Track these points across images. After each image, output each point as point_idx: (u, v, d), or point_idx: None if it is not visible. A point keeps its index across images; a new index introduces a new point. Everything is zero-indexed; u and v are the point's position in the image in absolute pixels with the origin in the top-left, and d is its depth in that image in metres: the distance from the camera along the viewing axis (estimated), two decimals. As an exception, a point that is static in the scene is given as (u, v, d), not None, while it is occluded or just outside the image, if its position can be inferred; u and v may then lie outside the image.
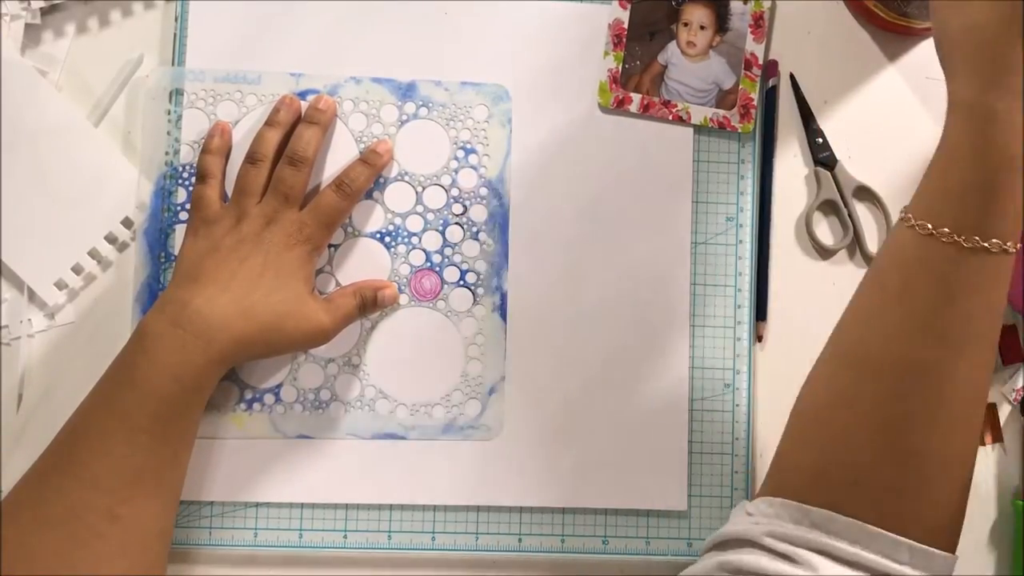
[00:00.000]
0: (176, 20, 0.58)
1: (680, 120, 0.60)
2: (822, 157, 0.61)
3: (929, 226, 0.42)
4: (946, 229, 0.41)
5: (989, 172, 0.41)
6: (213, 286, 0.51)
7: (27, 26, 0.58)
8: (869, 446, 0.43)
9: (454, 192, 0.59)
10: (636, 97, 0.60)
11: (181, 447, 0.52)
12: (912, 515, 0.42)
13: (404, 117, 0.59)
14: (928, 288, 0.42)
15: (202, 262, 0.52)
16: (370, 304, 0.57)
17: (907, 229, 0.43)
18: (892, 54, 0.62)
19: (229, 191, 0.56)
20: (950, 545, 0.44)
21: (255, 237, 0.53)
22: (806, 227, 0.60)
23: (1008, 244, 0.41)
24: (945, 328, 0.42)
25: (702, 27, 0.60)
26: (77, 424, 0.50)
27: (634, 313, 0.56)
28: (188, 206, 0.57)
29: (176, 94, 0.58)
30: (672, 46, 0.60)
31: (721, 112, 0.60)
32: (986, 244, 0.41)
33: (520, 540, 0.58)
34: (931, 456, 0.42)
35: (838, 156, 0.61)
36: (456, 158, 0.59)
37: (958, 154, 0.42)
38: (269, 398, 0.57)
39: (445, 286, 0.59)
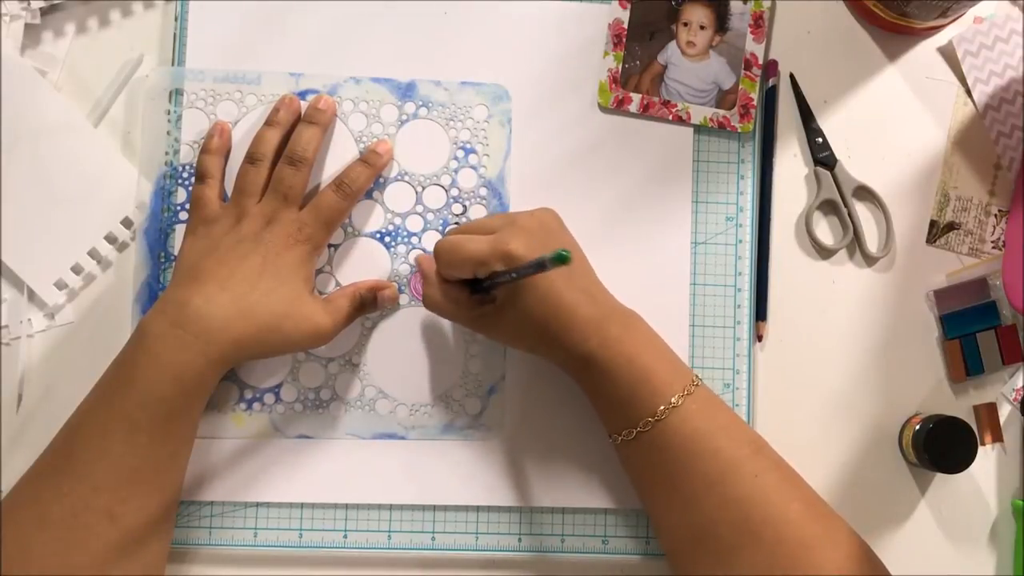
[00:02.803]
0: (176, 20, 0.59)
1: (680, 120, 0.60)
2: (822, 157, 0.61)
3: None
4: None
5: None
6: (212, 285, 0.51)
7: (27, 26, 0.58)
8: None
9: (454, 192, 0.59)
10: (636, 97, 0.60)
11: (180, 447, 0.52)
12: None
13: (404, 117, 0.59)
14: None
15: (201, 262, 0.52)
16: (369, 304, 0.57)
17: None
18: (892, 54, 0.62)
19: (229, 191, 0.56)
20: None
21: (254, 236, 0.53)
22: (806, 227, 0.60)
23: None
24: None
25: (702, 27, 0.60)
26: (77, 424, 0.50)
27: (634, 313, 0.56)
28: (188, 206, 0.57)
29: (176, 94, 0.58)
30: (672, 46, 0.60)
31: (721, 112, 0.60)
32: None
33: (520, 540, 0.58)
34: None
35: (838, 156, 0.61)
36: (456, 158, 0.59)
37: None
38: (269, 398, 0.57)
39: (445, 286, 0.58)
